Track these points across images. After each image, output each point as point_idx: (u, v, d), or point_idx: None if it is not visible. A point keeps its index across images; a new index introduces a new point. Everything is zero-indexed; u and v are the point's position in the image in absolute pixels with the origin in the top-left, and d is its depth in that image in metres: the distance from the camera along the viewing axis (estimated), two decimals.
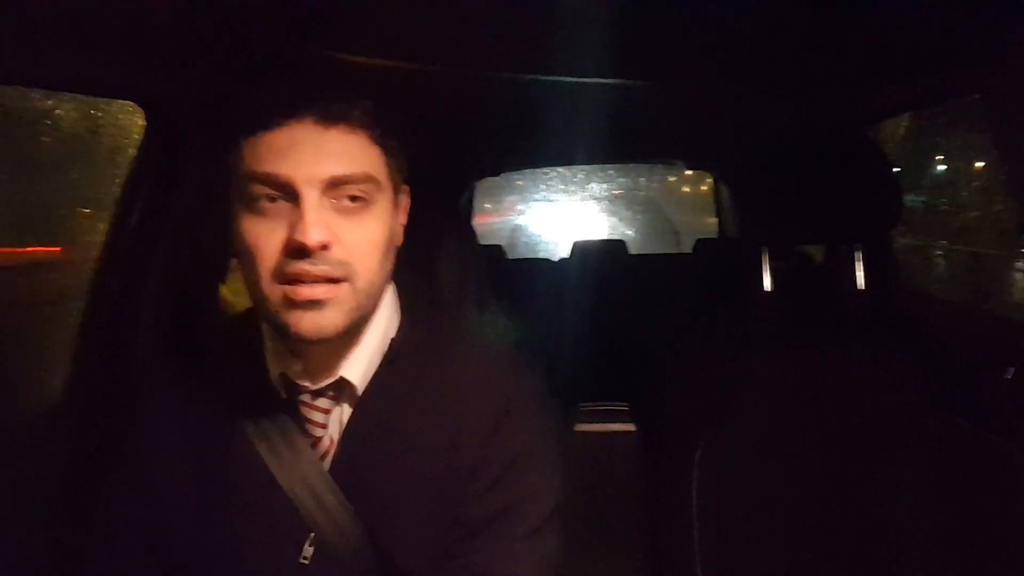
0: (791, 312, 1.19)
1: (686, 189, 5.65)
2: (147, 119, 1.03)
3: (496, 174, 3.05)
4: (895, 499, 0.98)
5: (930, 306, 1.52)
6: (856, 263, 1.24)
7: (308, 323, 0.64)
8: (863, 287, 1.23)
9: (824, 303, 1.20)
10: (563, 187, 5.22)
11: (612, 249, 2.92)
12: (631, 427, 1.59)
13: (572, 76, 1.01)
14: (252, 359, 0.74)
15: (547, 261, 3.10)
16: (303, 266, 0.62)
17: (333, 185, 0.64)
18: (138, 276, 1.05)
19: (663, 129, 1.83)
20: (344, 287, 0.65)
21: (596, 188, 5.26)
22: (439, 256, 1.06)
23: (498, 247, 2.91)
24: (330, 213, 0.64)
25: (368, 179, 0.66)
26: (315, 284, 0.63)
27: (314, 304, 0.64)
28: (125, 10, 0.72)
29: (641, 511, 1.31)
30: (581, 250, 2.92)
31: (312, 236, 0.61)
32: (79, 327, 1.04)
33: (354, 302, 0.66)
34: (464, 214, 2.98)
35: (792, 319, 1.17)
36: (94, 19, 0.72)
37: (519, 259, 3.31)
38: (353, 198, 0.65)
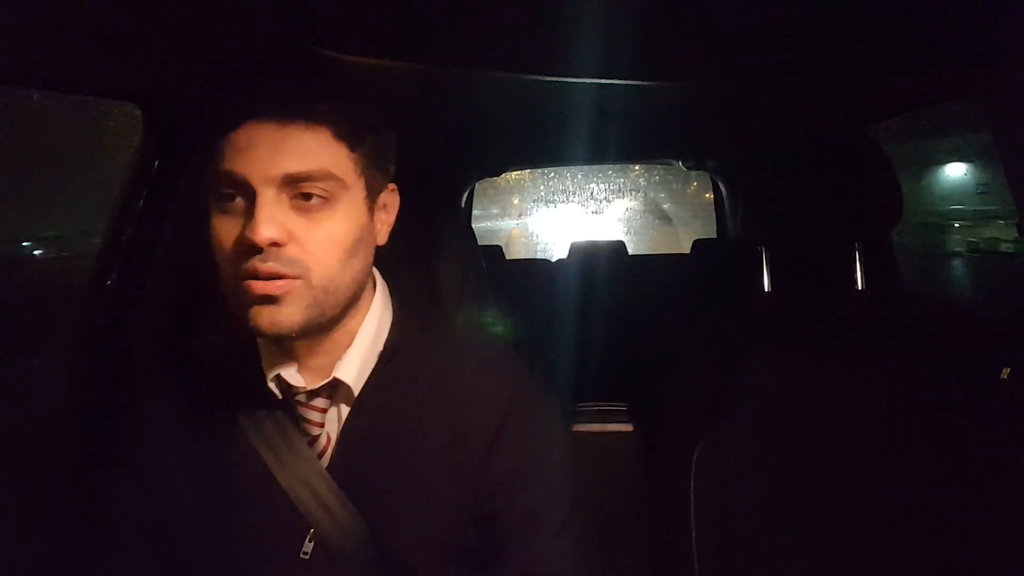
0: (790, 312, 1.19)
1: (708, 196, 5.40)
2: (146, 119, 1.03)
3: (497, 174, 3.05)
4: (894, 499, 0.98)
5: (930, 306, 1.52)
6: (856, 263, 1.25)
7: (264, 318, 0.64)
8: (863, 287, 1.23)
9: (824, 303, 1.20)
10: (563, 187, 5.22)
11: (611, 249, 2.92)
12: (629, 427, 1.59)
13: (572, 76, 1.01)
14: (248, 360, 0.75)
15: (546, 262, 3.10)
16: (255, 263, 0.63)
17: (289, 183, 0.64)
18: (137, 277, 1.05)
19: (663, 129, 1.83)
20: (298, 284, 0.65)
21: (596, 188, 5.24)
22: (438, 256, 1.06)
23: (497, 247, 2.91)
24: (286, 211, 0.64)
25: (328, 176, 0.65)
26: (269, 280, 0.64)
27: (268, 299, 0.64)
28: (125, 10, 0.72)
29: (639, 510, 1.31)
30: (579, 251, 2.92)
31: (261, 233, 0.61)
32: (78, 327, 1.04)
33: (310, 298, 0.66)
34: (464, 214, 2.98)
35: (791, 319, 1.17)
36: (93, 19, 0.72)
37: (518, 260, 3.31)
38: (313, 196, 0.65)
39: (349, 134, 0.67)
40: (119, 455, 0.77)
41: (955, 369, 1.19)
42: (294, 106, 0.65)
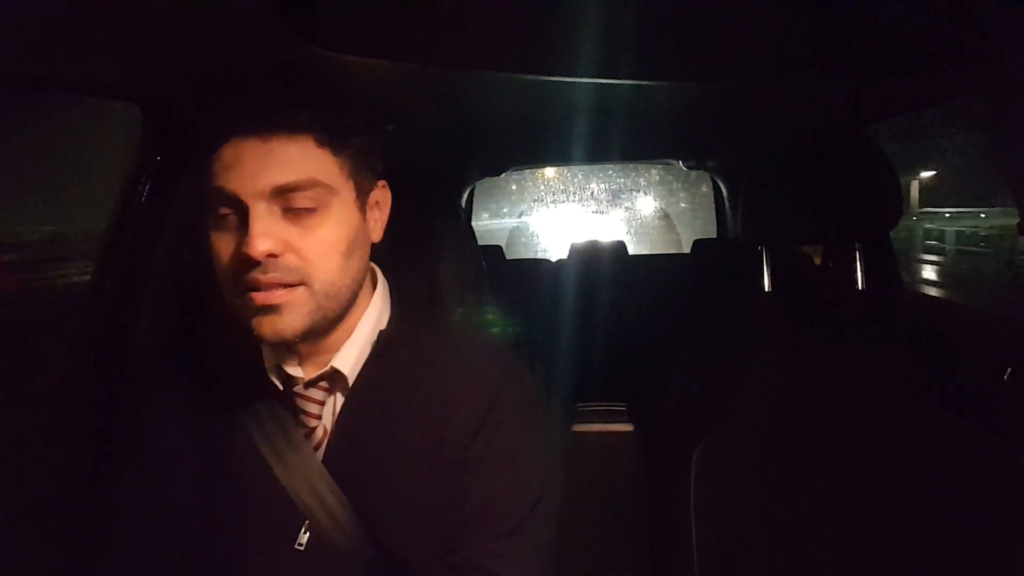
0: (790, 312, 1.20)
1: None
2: (145, 119, 1.03)
3: (497, 174, 3.05)
4: (894, 499, 0.98)
5: (930, 306, 1.52)
6: (855, 263, 1.25)
7: (267, 327, 0.67)
8: (862, 287, 1.23)
9: (823, 303, 1.20)
10: (562, 187, 5.19)
11: (611, 249, 2.92)
12: (629, 427, 1.59)
13: (572, 76, 1.01)
14: (248, 352, 0.76)
15: (546, 262, 3.10)
16: (255, 275, 0.65)
17: (279, 194, 0.65)
18: (138, 274, 1.05)
19: (663, 129, 1.83)
20: (300, 291, 0.67)
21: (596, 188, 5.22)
22: (438, 256, 1.06)
23: (497, 247, 2.91)
24: (279, 222, 0.66)
25: (315, 184, 0.67)
26: (270, 290, 0.65)
27: (270, 309, 0.66)
28: (124, 10, 0.72)
29: (639, 510, 1.31)
30: (579, 251, 2.92)
31: (257, 247, 0.63)
32: (80, 324, 1.04)
33: (313, 304, 0.68)
34: (464, 214, 2.98)
35: (791, 319, 1.17)
36: (93, 19, 0.72)
37: (518, 259, 3.31)
38: (303, 205, 0.66)
39: (332, 139, 0.69)
40: (124, 450, 0.78)
41: (955, 369, 1.19)
42: (275, 118, 0.66)
